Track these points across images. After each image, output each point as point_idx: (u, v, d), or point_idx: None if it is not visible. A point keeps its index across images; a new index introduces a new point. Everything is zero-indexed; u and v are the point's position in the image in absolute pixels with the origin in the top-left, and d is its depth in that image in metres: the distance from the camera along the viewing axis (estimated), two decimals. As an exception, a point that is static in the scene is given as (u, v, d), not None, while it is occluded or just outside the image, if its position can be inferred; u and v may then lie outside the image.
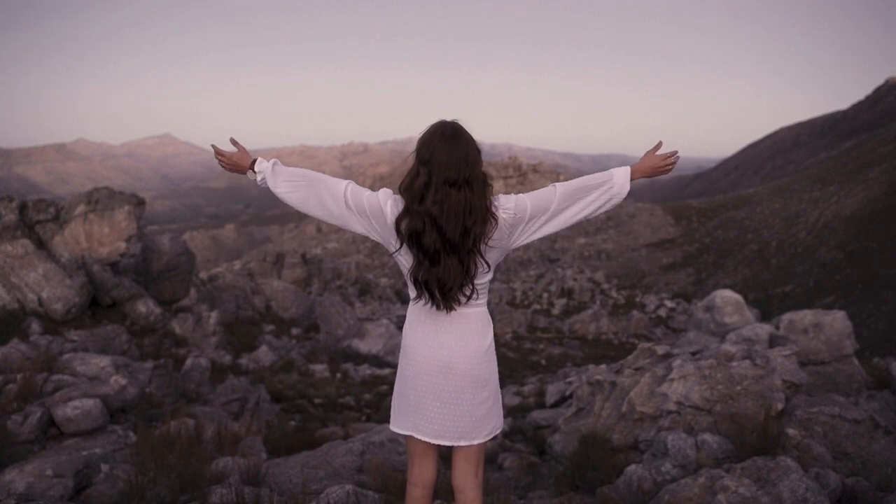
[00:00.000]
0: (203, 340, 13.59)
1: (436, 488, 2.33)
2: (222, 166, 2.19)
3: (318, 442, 6.00)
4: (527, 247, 67.09)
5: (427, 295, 2.00)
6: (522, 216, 2.00)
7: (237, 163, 2.18)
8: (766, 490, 2.86)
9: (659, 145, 2.14)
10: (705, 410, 4.23)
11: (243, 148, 2.21)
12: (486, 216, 1.94)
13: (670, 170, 2.13)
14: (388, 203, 2.00)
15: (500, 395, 2.23)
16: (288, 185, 2.09)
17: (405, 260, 2.02)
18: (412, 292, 2.07)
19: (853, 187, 60.04)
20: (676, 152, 2.13)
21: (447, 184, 1.90)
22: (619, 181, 2.07)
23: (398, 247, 2.00)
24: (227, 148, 2.22)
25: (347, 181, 2.06)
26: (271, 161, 2.14)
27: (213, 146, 2.21)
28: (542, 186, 2.11)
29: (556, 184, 2.07)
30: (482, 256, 1.98)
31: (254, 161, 2.17)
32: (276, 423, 8.39)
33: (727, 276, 55.28)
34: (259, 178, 2.14)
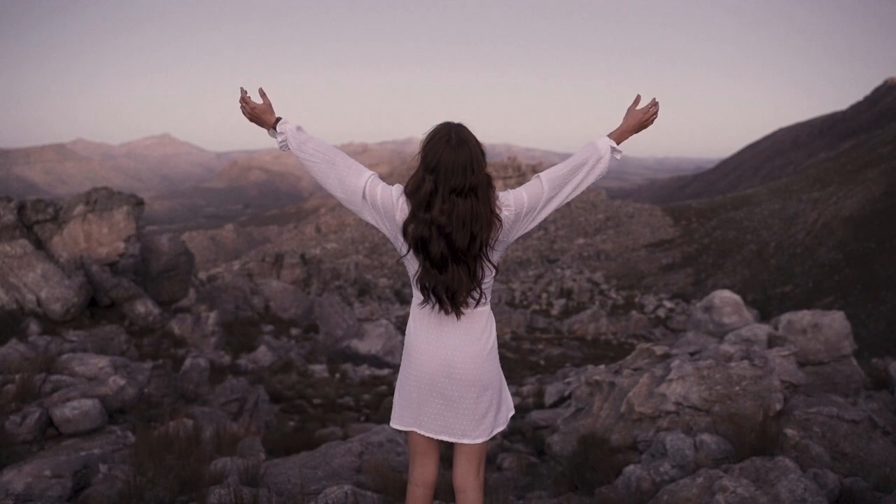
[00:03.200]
0: (202, 341, 13.57)
1: (436, 488, 2.32)
2: (243, 113, 2.14)
3: (316, 442, 5.99)
4: (526, 247, 67.07)
5: (435, 300, 1.99)
6: (520, 211, 2.01)
7: (259, 115, 2.14)
8: (764, 490, 2.86)
9: (638, 99, 2.15)
10: (704, 411, 4.23)
11: (270, 102, 2.15)
12: (491, 220, 1.94)
13: (654, 119, 2.15)
14: (401, 200, 1.98)
15: (508, 392, 2.22)
16: (313, 154, 2.06)
17: (412, 264, 2.02)
18: (418, 297, 2.05)
19: (852, 188, 60.12)
20: (654, 99, 2.14)
21: (454, 193, 1.89)
22: (604, 152, 2.08)
23: (405, 252, 1.99)
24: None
25: (371, 173, 2.03)
26: (295, 124, 2.10)
27: (241, 88, 2.14)
28: None
29: (541, 174, 2.06)
30: (489, 260, 1.98)
31: (277, 120, 2.13)
32: (274, 424, 8.38)
33: (726, 276, 55.35)
34: (280, 139, 2.11)
